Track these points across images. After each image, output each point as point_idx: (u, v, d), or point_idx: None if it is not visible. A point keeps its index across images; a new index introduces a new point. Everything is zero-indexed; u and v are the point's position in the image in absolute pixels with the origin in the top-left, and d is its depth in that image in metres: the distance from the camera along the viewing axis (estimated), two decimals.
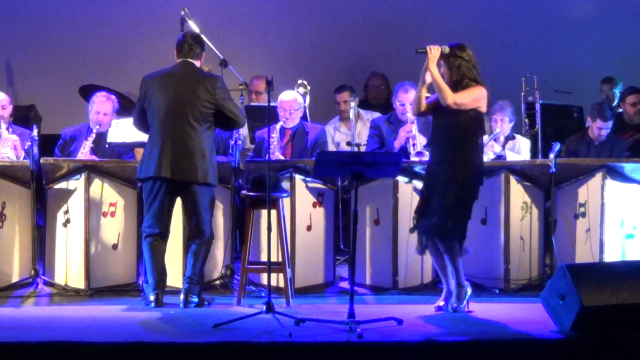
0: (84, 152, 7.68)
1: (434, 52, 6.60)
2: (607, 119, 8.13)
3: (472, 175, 6.62)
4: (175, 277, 7.14)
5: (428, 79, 6.65)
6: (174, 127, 6.76)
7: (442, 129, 6.68)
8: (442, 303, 6.78)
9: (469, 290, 6.71)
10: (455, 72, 6.63)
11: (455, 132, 6.61)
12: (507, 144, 8.18)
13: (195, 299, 6.82)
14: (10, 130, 7.88)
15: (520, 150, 8.22)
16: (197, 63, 6.97)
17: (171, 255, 7.10)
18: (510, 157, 7.93)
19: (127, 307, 6.85)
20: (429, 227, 6.66)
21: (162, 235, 6.88)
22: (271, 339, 5.86)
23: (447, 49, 6.63)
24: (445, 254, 6.66)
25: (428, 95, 6.74)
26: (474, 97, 6.60)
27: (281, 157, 7.81)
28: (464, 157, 6.59)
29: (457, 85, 6.61)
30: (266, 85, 6.57)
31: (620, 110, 9.41)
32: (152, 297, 6.80)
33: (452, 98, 6.55)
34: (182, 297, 6.83)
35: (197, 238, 6.85)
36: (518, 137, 8.35)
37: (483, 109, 6.67)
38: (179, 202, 6.94)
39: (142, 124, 6.94)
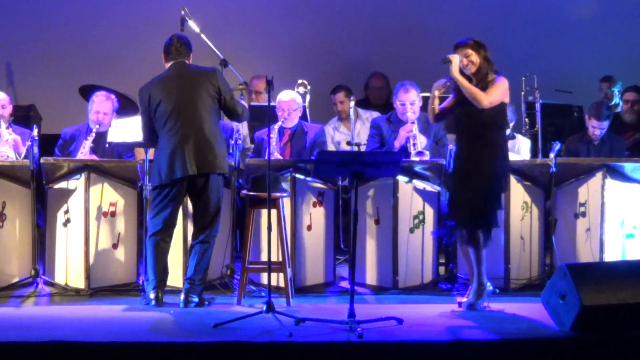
0: (84, 152, 7.68)
1: (455, 60, 6.71)
2: (601, 119, 8.12)
3: (497, 166, 6.67)
4: (175, 277, 7.14)
5: (437, 92, 6.78)
6: (188, 124, 6.79)
7: (466, 124, 6.73)
8: (465, 299, 6.82)
9: (490, 288, 6.74)
10: (486, 63, 6.73)
11: (479, 127, 6.67)
12: (509, 144, 8.17)
13: (196, 299, 6.82)
14: (10, 129, 7.88)
15: (520, 150, 8.22)
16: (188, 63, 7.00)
17: (171, 255, 7.09)
18: (510, 157, 7.91)
19: (127, 307, 6.85)
20: (458, 219, 6.72)
21: (170, 234, 6.90)
22: (271, 338, 5.86)
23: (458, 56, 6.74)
24: (470, 246, 6.69)
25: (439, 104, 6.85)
26: (502, 91, 6.70)
27: (280, 157, 7.81)
28: (488, 150, 6.65)
29: (484, 77, 6.69)
30: (266, 85, 6.58)
31: (620, 109, 9.42)
32: (152, 296, 6.80)
33: (487, 99, 6.63)
34: (182, 296, 6.83)
35: (206, 233, 6.85)
36: (518, 136, 8.35)
37: (507, 99, 6.76)
38: None
39: (153, 135, 6.94)
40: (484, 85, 6.69)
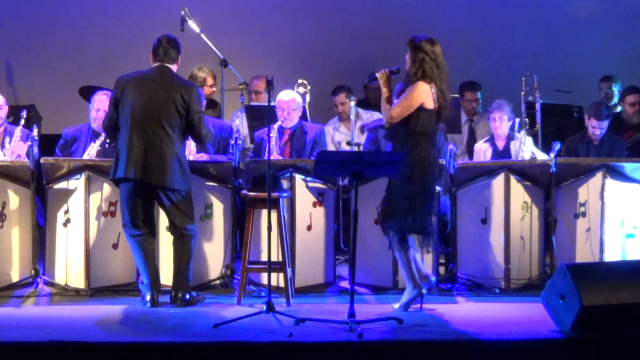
0: (91, 154, 7.66)
1: (383, 76, 6.80)
2: (601, 119, 8.11)
3: (415, 170, 6.64)
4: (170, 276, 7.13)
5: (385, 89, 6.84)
6: (147, 130, 6.76)
7: (391, 126, 6.81)
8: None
9: (423, 291, 6.72)
10: (415, 65, 6.73)
11: (398, 128, 6.73)
12: (511, 144, 8.16)
13: (182, 297, 6.81)
14: (16, 136, 7.79)
15: (522, 147, 8.13)
16: (174, 67, 6.96)
17: (168, 255, 7.09)
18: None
19: (127, 307, 6.85)
20: (381, 222, 6.81)
21: (147, 234, 6.89)
22: (271, 338, 5.86)
23: (395, 70, 6.85)
24: (393, 249, 6.76)
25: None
26: (412, 99, 6.65)
27: (279, 157, 7.81)
28: (404, 152, 6.64)
29: (411, 77, 6.73)
30: (266, 85, 6.57)
31: (620, 109, 9.41)
32: (147, 298, 6.81)
33: (388, 115, 6.70)
34: (172, 294, 6.84)
35: (175, 236, 6.87)
36: (518, 135, 8.29)
37: (428, 104, 6.69)
38: None
39: (113, 124, 6.94)
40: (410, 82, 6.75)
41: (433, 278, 6.88)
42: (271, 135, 7.73)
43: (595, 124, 8.14)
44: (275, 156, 7.71)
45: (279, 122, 7.95)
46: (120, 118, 6.86)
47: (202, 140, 7.06)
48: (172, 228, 6.90)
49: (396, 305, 6.77)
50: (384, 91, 6.77)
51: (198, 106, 6.90)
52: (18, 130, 7.71)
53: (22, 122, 7.77)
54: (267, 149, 7.56)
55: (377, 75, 6.83)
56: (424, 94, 6.65)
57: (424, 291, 6.73)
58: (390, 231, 6.73)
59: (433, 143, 6.78)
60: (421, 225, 6.72)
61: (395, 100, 6.72)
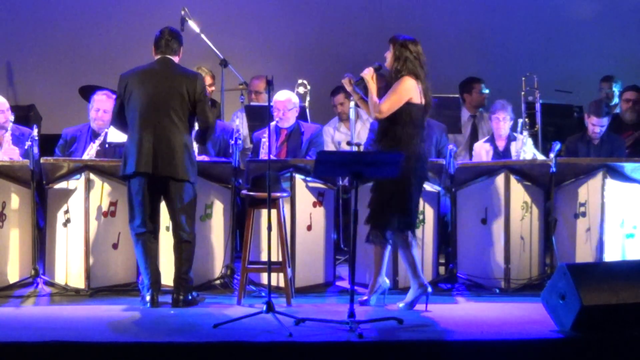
0: (90, 154, 7.66)
1: (368, 74, 6.79)
2: (601, 116, 8.11)
3: (411, 165, 6.63)
4: (172, 276, 7.12)
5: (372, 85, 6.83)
6: (154, 123, 6.76)
7: (379, 122, 6.81)
8: (365, 297, 6.90)
9: (429, 290, 6.76)
10: (399, 62, 6.74)
11: (385, 124, 6.73)
12: (512, 145, 8.16)
13: (182, 297, 6.81)
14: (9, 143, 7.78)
15: (524, 147, 8.14)
16: (176, 59, 6.97)
17: (168, 255, 7.09)
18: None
19: (127, 307, 6.85)
20: (368, 219, 6.78)
21: (152, 233, 6.89)
22: (271, 338, 5.86)
23: (376, 66, 6.85)
24: (373, 244, 6.81)
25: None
26: (400, 93, 6.68)
27: (274, 157, 7.81)
28: (391, 149, 6.64)
29: (396, 74, 6.74)
30: (266, 85, 6.57)
31: (620, 109, 9.42)
32: (147, 298, 6.81)
33: (377, 110, 6.70)
34: (173, 296, 6.84)
35: (179, 236, 6.86)
36: (520, 136, 8.30)
37: (416, 99, 6.72)
38: None
39: (121, 122, 6.94)
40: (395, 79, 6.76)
41: (388, 283, 6.97)
42: (266, 135, 7.73)
43: (595, 122, 8.14)
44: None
45: (274, 122, 7.94)
46: (127, 114, 6.87)
47: (209, 127, 6.97)
48: (174, 227, 6.90)
49: (401, 304, 6.78)
50: (374, 87, 6.76)
51: (203, 94, 6.90)
52: (8, 135, 7.68)
53: (10, 125, 7.73)
54: (265, 149, 7.56)
55: (365, 76, 6.81)
56: (412, 89, 6.70)
57: (429, 290, 6.74)
58: (393, 230, 6.71)
59: (423, 138, 6.81)
60: (414, 221, 6.81)
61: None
